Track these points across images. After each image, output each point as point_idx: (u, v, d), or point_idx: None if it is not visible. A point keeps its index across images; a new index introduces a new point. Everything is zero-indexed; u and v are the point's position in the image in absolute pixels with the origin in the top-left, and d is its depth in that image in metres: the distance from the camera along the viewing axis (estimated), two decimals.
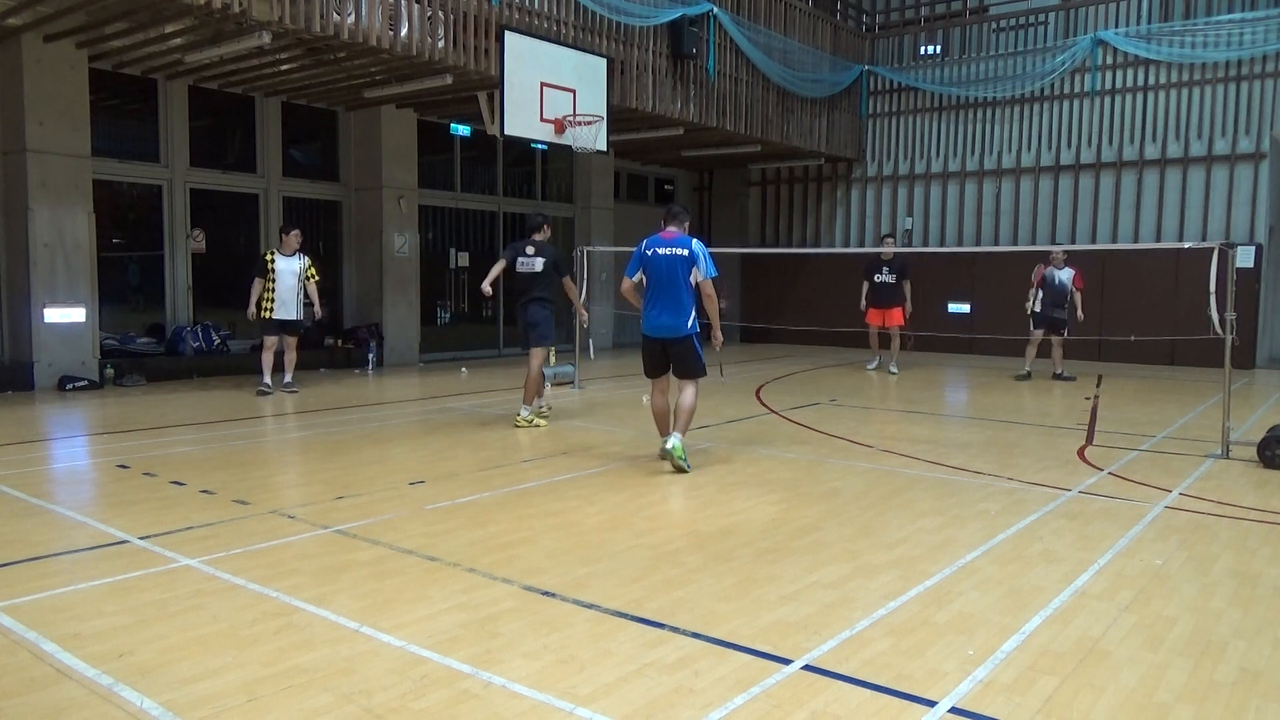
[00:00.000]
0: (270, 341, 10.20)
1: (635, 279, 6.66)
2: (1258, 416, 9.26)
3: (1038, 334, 12.22)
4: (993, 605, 3.83)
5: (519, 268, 8.27)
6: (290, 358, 10.42)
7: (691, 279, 6.50)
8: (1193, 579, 4.21)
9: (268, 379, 10.15)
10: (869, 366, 13.28)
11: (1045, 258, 12.27)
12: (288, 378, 10.41)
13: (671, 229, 6.65)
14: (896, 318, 12.78)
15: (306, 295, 10.34)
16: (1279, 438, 6.74)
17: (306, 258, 10.35)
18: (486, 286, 8.27)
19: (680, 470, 6.38)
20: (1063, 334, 12.20)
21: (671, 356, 6.57)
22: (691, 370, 6.54)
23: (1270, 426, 7.23)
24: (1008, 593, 3.99)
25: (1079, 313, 12.16)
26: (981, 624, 3.61)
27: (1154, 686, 3.09)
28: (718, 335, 6.74)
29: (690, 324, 6.49)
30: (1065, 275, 12.00)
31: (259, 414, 8.93)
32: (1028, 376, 12.21)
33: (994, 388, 11.68)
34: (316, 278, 10.46)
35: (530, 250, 8.25)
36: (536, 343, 8.24)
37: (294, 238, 10.25)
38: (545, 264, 8.22)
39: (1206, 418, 9.06)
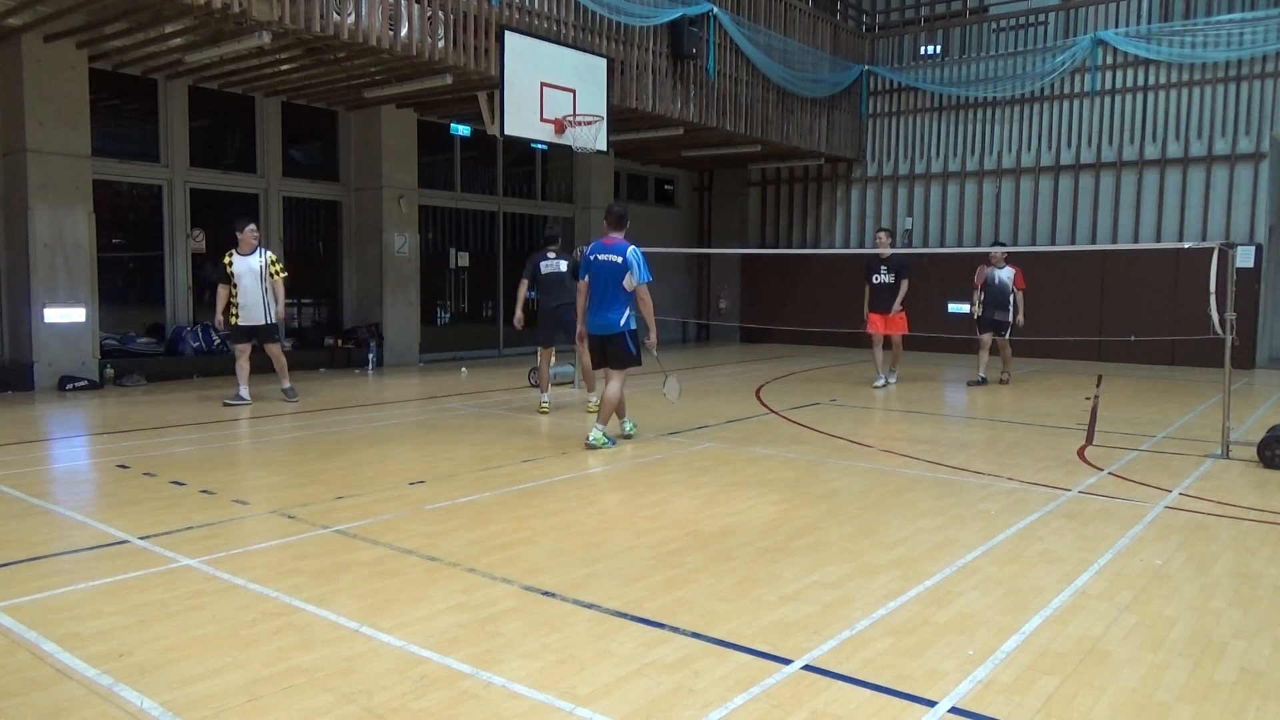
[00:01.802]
0: (240, 350, 9.48)
1: (584, 280, 7.36)
2: (1258, 416, 9.26)
3: (985, 338, 11.76)
4: (993, 605, 3.83)
5: (544, 270, 9.05)
6: (279, 363, 9.64)
7: (626, 284, 7.14)
8: (1193, 579, 4.21)
9: (241, 390, 9.43)
10: (877, 384, 11.44)
11: (987, 258, 11.73)
12: (285, 383, 9.70)
13: (613, 235, 7.28)
14: (898, 324, 11.43)
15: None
16: (1279, 438, 6.74)
17: (269, 253, 9.55)
18: (519, 317, 9.31)
19: (601, 446, 7.23)
20: (1004, 335, 11.65)
21: (606, 349, 7.33)
22: (621, 361, 7.30)
23: (1270, 426, 7.23)
24: (1008, 593, 3.99)
25: (1019, 315, 11.53)
26: (981, 624, 3.61)
27: (1154, 686, 3.09)
28: (652, 338, 7.30)
29: (623, 322, 7.21)
30: (1005, 275, 11.51)
31: (259, 414, 8.93)
32: (982, 382, 11.75)
33: (993, 388, 11.67)
34: (283, 274, 9.62)
35: (551, 254, 9.14)
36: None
37: (250, 234, 9.41)
38: (569, 265, 9.00)
39: (1206, 418, 9.06)
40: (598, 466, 6.62)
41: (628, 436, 7.67)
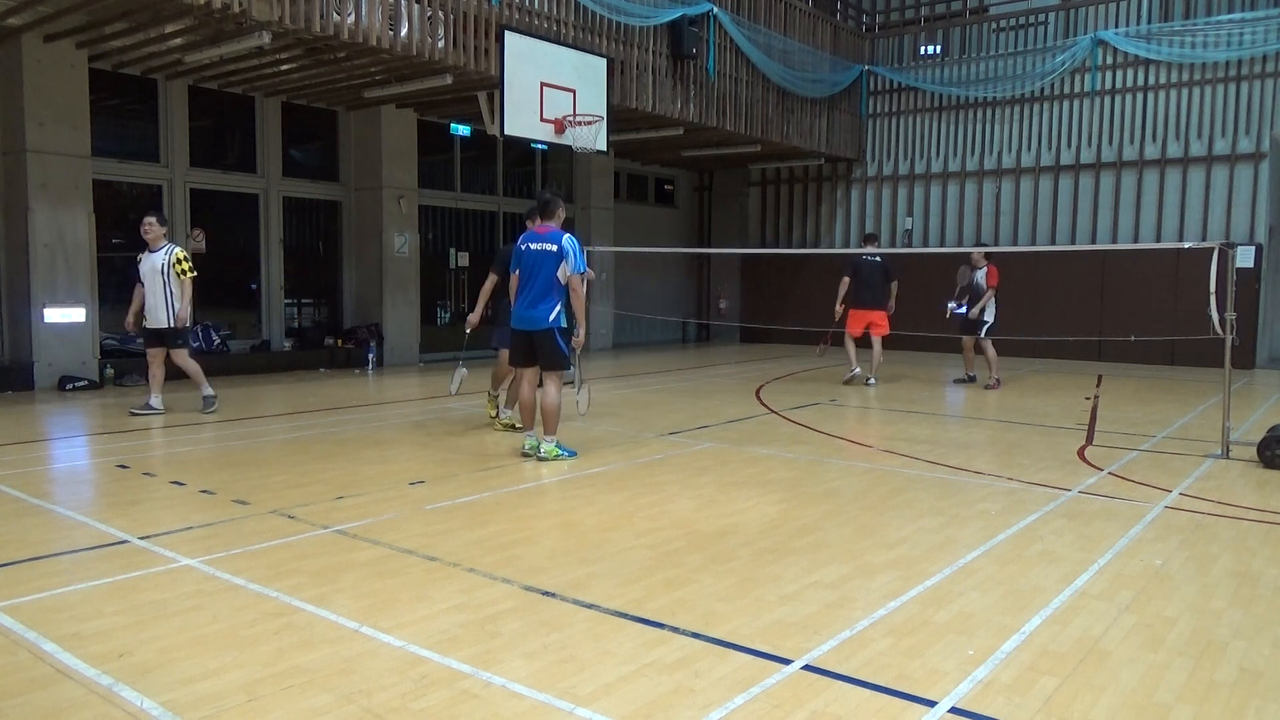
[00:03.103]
0: (150, 354, 8.68)
1: (515, 274, 6.81)
2: (1258, 416, 9.26)
3: (965, 339, 11.71)
4: (993, 605, 3.83)
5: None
6: (189, 370, 8.70)
7: (560, 274, 6.62)
8: (1193, 579, 4.21)
9: (151, 399, 8.58)
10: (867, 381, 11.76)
11: (969, 259, 11.68)
12: (205, 390, 8.72)
13: (546, 224, 6.78)
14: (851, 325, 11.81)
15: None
16: (1279, 438, 6.74)
17: (178, 250, 8.56)
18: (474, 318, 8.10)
19: (556, 458, 6.74)
20: (981, 335, 11.39)
21: (535, 348, 6.75)
22: (552, 361, 6.73)
23: (1270, 426, 7.23)
24: (1008, 593, 3.99)
25: (976, 308, 11.31)
26: (981, 624, 3.61)
27: (1154, 686, 3.09)
28: (581, 335, 6.82)
29: (552, 318, 6.64)
30: (980, 275, 11.37)
31: (259, 414, 8.93)
32: (970, 380, 11.79)
33: (994, 390, 11.66)
34: (189, 274, 8.53)
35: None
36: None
37: (147, 228, 8.51)
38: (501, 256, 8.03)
39: (1206, 418, 9.06)
40: (597, 467, 6.62)
41: (556, 457, 6.77)
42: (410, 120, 13.60)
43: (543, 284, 6.64)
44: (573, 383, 8.45)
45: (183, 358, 8.70)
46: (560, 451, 6.80)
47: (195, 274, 8.65)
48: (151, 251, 8.57)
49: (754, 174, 19.13)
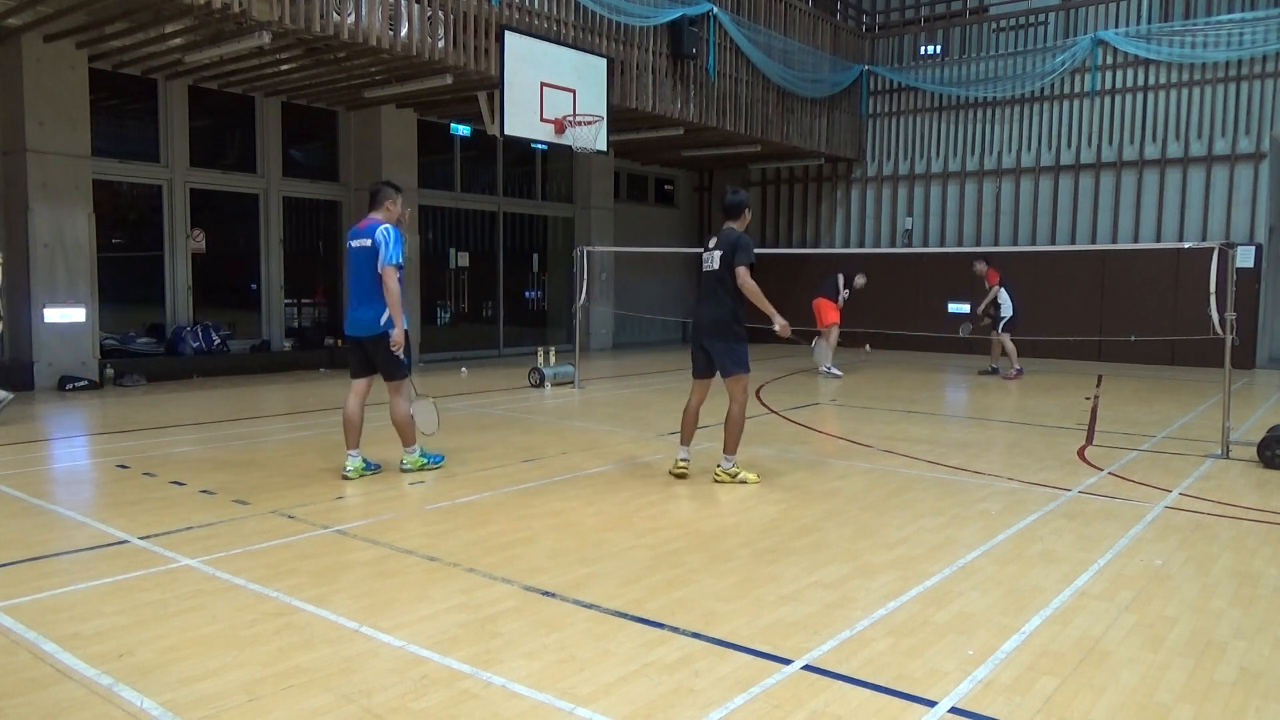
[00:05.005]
0: None
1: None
2: (1258, 416, 9.26)
3: (992, 336, 13.01)
4: (993, 605, 3.83)
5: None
6: None
7: (380, 269, 5.92)
8: (1193, 579, 4.21)
9: None
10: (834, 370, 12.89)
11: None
12: None
13: (371, 216, 6.07)
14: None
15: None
16: (1279, 438, 6.74)
17: None
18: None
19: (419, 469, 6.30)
20: (998, 330, 12.68)
21: (370, 356, 6.12)
22: (390, 371, 6.09)
23: (1270, 426, 7.23)
24: (1008, 593, 3.99)
25: (981, 307, 12.94)
26: (981, 624, 3.61)
27: (1154, 686, 3.09)
28: (396, 334, 5.95)
29: (384, 320, 5.98)
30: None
31: (259, 414, 8.93)
32: (1017, 373, 12.73)
33: (993, 388, 11.69)
34: None
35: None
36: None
37: None
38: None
39: (1206, 418, 9.05)
40: (597, 467, 6.62)
41: (422, 467, 6.36)
42: (410, 120, 13.60)
43: (366, 283, 5.99)
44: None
45: None
46: (425, 459, 6.34)
47: None
48: None
49: (754, 174, 19.11)
